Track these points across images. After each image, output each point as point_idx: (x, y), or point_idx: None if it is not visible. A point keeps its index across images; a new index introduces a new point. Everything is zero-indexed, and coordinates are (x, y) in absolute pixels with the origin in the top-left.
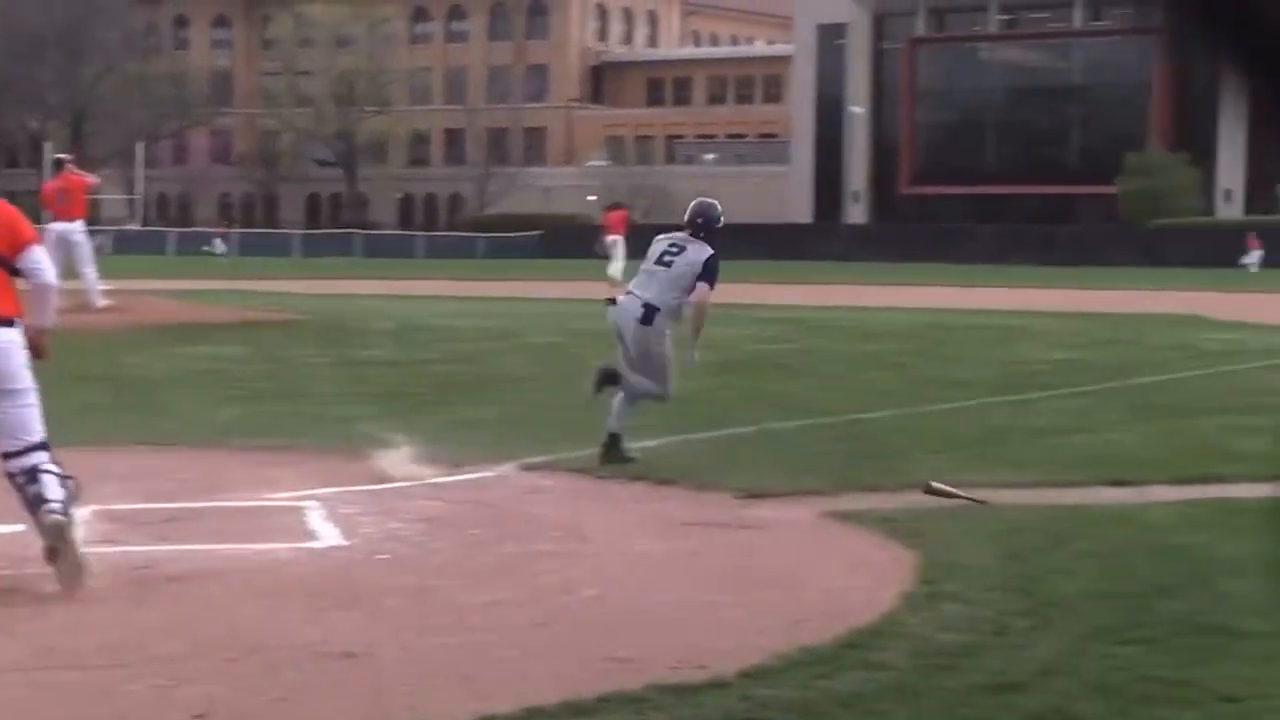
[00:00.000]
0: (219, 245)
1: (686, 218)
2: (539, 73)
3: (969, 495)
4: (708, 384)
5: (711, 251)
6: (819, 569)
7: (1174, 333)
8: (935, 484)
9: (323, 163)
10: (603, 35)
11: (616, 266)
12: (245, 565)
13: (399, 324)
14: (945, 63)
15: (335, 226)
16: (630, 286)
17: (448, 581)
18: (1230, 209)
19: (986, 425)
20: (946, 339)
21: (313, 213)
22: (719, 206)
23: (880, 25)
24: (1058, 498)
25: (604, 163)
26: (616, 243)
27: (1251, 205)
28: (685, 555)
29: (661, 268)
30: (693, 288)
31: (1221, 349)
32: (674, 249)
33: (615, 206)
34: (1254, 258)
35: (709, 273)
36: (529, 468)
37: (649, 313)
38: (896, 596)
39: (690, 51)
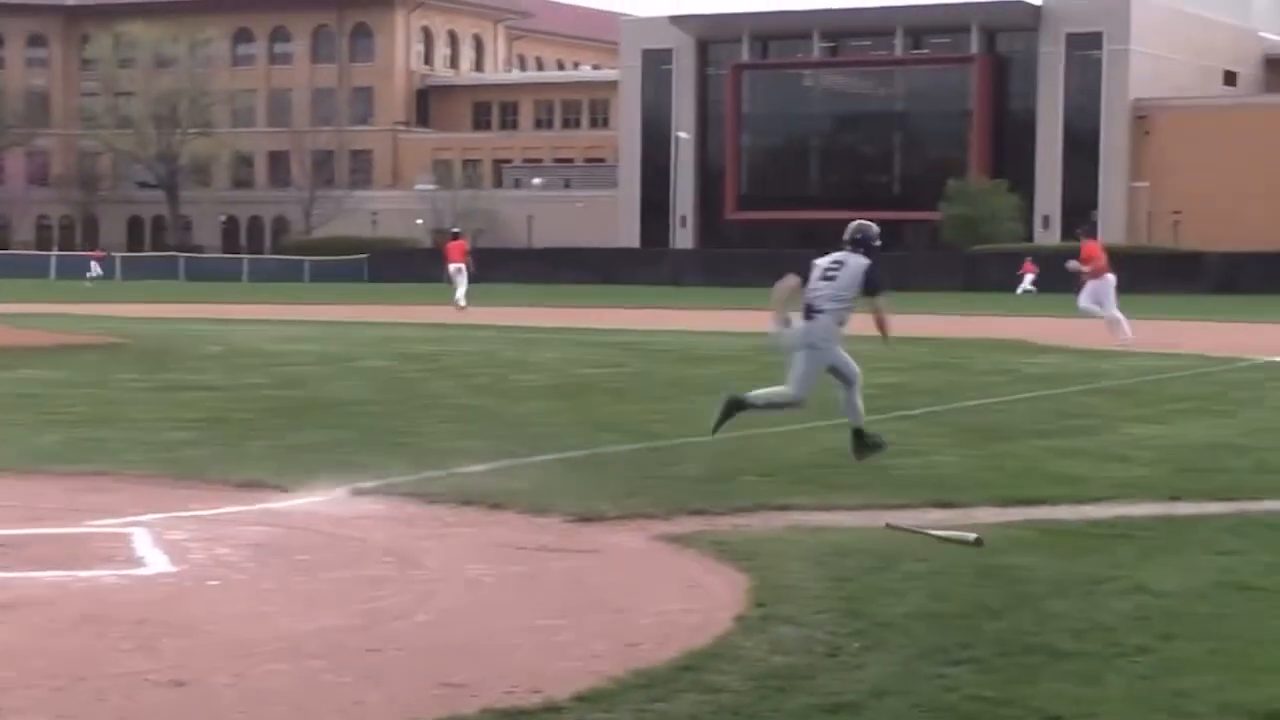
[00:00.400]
0: (95, 269)
1: (846, 236)
2: (364, 95)
3: (953, 536)
4: (538, 407)
5: (870, 262)
6: (653, 593)
7: (996, 357)
8: (899, 524)
9: (144, 184)
10: (428, 59)
11: (460, 292)
12: (71, 593)
13: (226, 348)
14: (770, 89)
15: (157, 249)
16: (808, 299)
17: (278, 608)
18: (1049, 235)
19: (816, 448)
20: (775, 363)
21: (134, 235)
22: (876, 227)
23: (705, 51)
24: (885, 519)
25: (431, 186)
26: (459, 270)
27: (1069, 231)
28: (518, 580)
29: (826, 282)
30: (854, 297)
31: (1043, 373)
32: (836, 265)
33: (455, 236)
34: (1028, 282)
35: (873, 281)
36: (360, 493)
37: (812, 312)
38: (730, 619)
39: (517, 76)
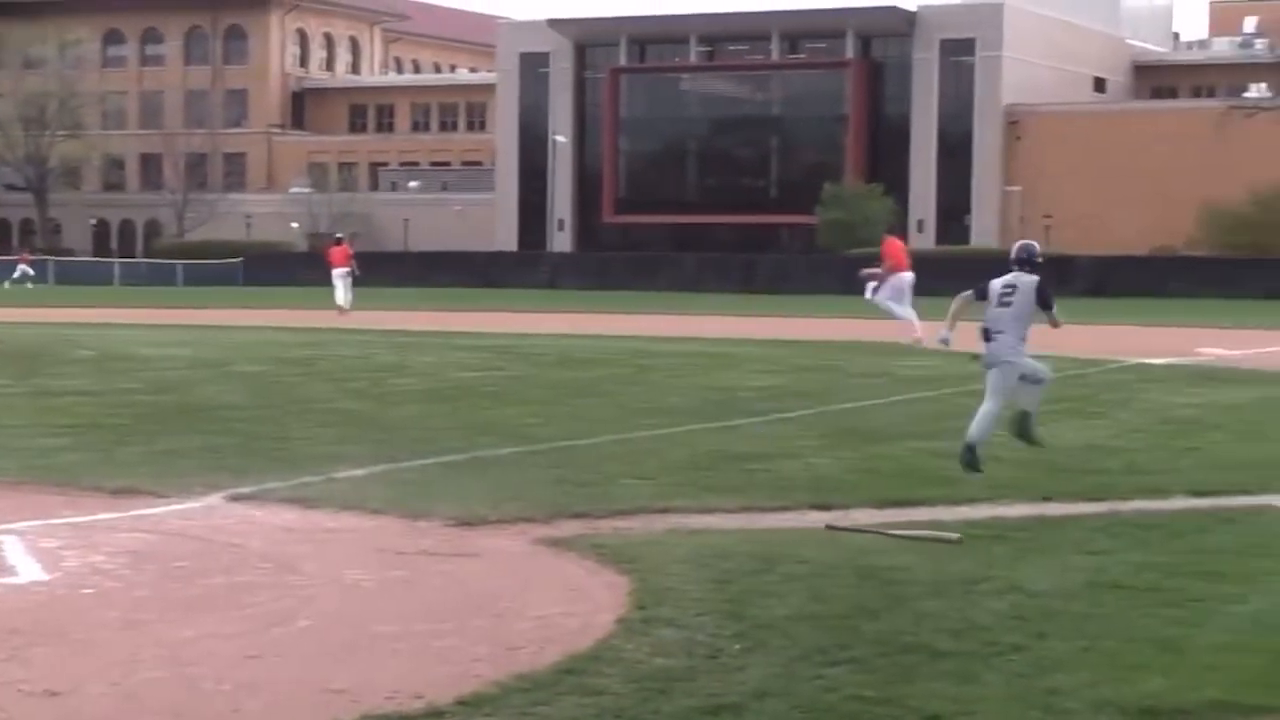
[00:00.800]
0: (21, 271)
1: (1013, 256)
2: (238, 98)
3: (935, 536)
4: (416, 411)
5: (1039, 279)
6: (534, 596)
7: (873, 360)
8: (841, 525)
9: (11, 187)
10: (303, 61)
11: (342, 297)
12: None
13: (98, 353)
14: (647, 93)
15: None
16: (988, 324)
17: (155, 616)
18: (923, 239)
19: (695, 451)
20: (653, 366)
21: (2, 239)
22: (1037, 244)
23: (583, 55)
24: (766, 521)
25: (307, 189)
26: (341, 275)
27: (943, 236)
28: (399, 585)
29: (1004, 308)
30: (1031, 313)
31: (918, 375)
32: (1009, 289)
33: (338, 241)
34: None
35: (1045, 296)
36: (236, 498)
37: (993, 334)
38: (611, 622)
39: (393, 79)
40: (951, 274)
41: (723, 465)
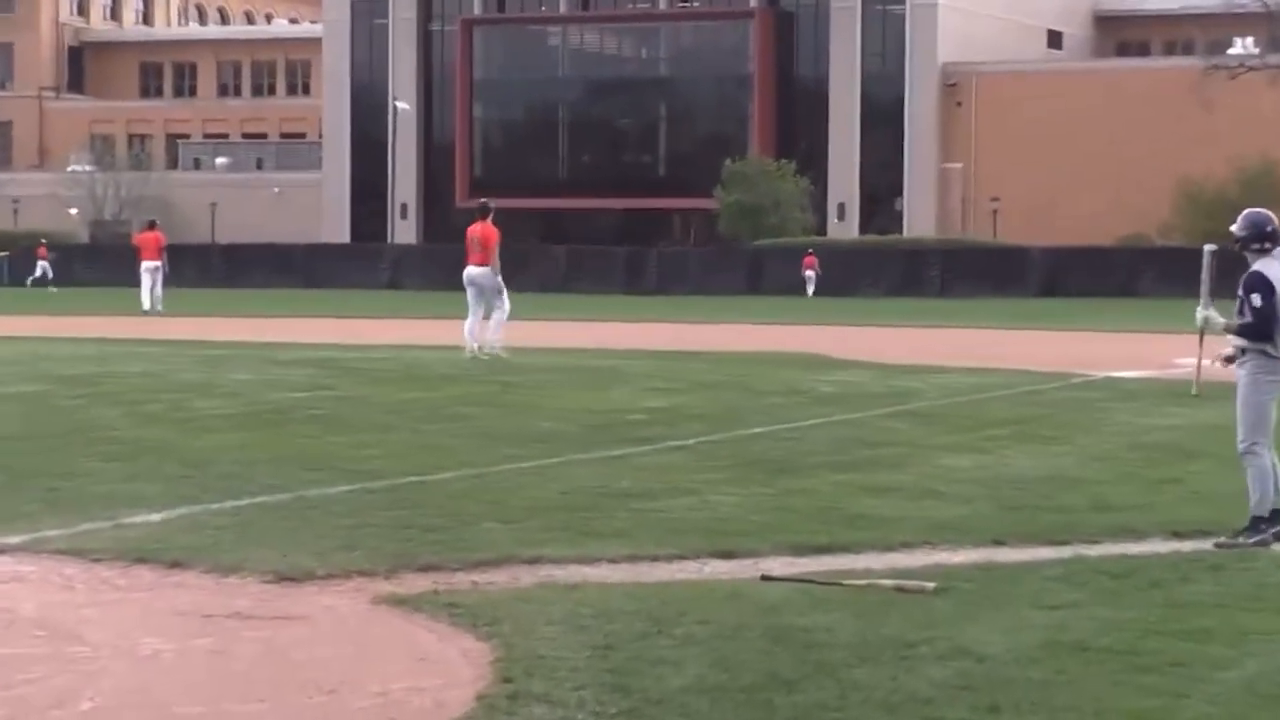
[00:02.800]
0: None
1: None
2: (2, 54)
3: (908, 586)
4: (227, 441)
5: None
6: (374, 668)
7: (786, 375)
8: (775, 575)
9: None
10: (82, 9)
11: (148, 296)
12: None
13: None
14: (508, 49)
15: None
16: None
17: None
18: (845, 226)
19: (572, 488)
20: (519, 383)
21: None
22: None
23: (429, 3)
24: (658, 573)
25: (88, 167)
26: (151, 269)
27: (869, 223)
28: (206, 655)
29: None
30: None
31: (840, 393)
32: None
33: (151, 226)
34: (810, 280)
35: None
36: (3, 550)
37: None
38: (470, 699)
39: (194, 31)
40: (877, 268)
41: (605, 504)
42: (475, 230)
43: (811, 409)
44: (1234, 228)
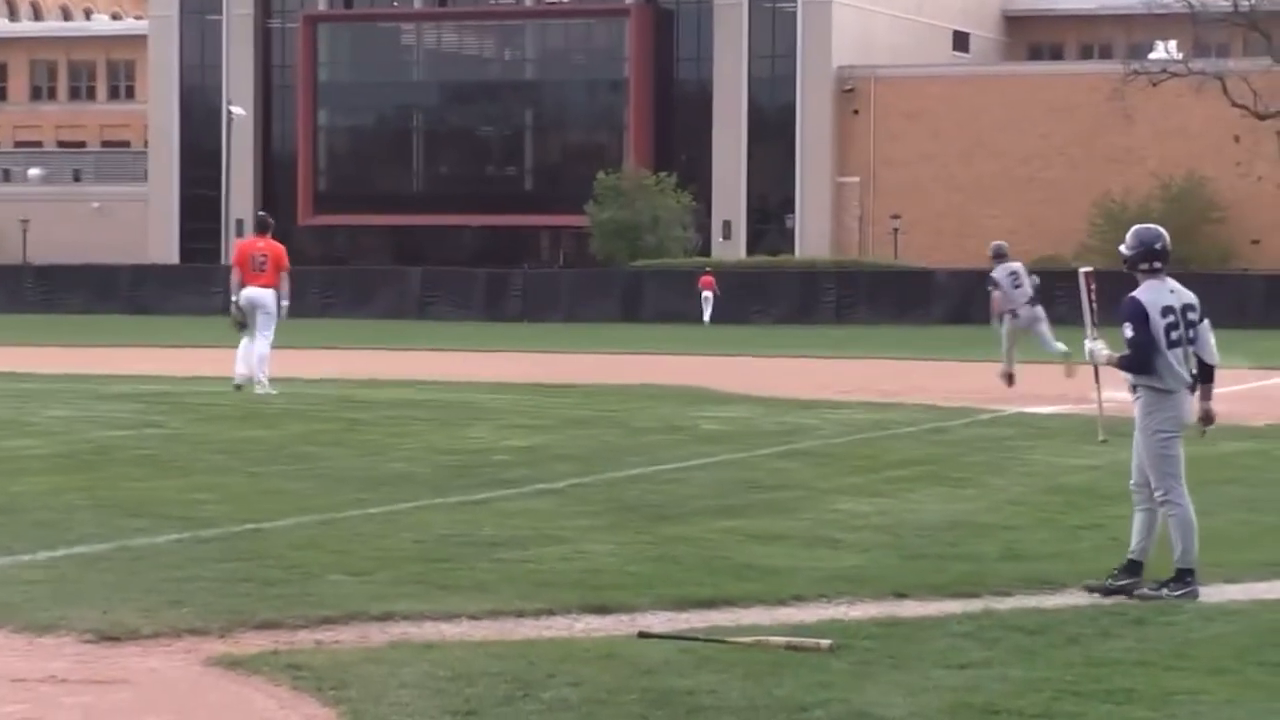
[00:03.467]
0: None
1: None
2: None
3: (802, 643)
4: (39, 486)
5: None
6: None
7: (666, 410)
8: (656, 632)
9: None
10: None
11: None
12: None
13: None
14: (357, 49)
15: None
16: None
17: None
18: (731, 246)
19: (428, 536)
20: (368, 420)
21: None
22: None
23: None
24: (524, 630)
25: None
26: None
27: (757, 242)
28: None
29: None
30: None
31: (726, 430)
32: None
33: None
34: (708, 302)
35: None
36: None
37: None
38: None
39: (3, 27)
40: (766, 293)
41: (465, 554)
42: (257, 247)
43: (694, 448)
44: (1122, 246)
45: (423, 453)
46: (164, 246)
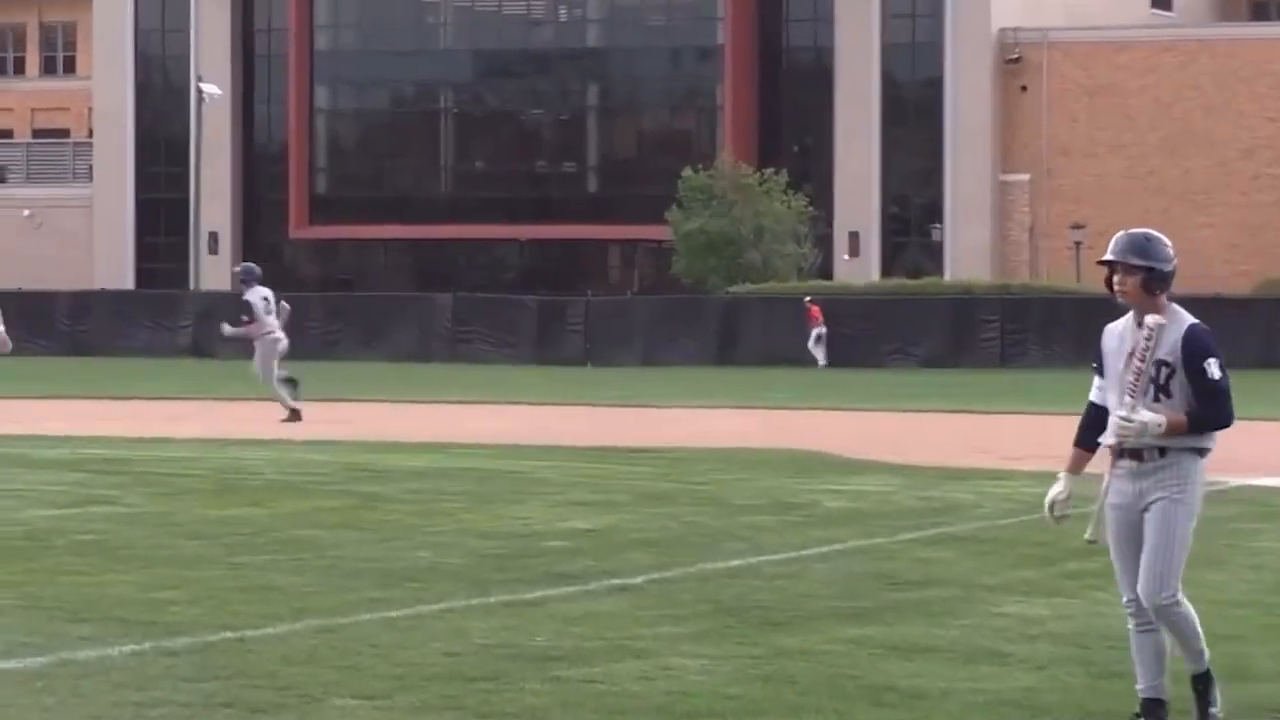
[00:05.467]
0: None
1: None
2: None
3: None
4: None
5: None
6: None
7: (774, 482)
8: None
9: None
10: None
11: None
12: None
13: None
14: (364, 7)
15: None
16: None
17: None
18: (859, 266)
19: (464, 647)
20: (386, 495)
21: None
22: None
23: None
24: None
25: None
26: None
27: (894, 261)
28: None
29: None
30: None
31: (854, 508)
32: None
33: None
34: (815, 340)
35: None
36: None
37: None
38: None
39: None
40: (907, 326)
41: (512, 672)
42: None
43: (812, 532)
44: (1152, 259)
45: (456, 537)
46: (114, 266)
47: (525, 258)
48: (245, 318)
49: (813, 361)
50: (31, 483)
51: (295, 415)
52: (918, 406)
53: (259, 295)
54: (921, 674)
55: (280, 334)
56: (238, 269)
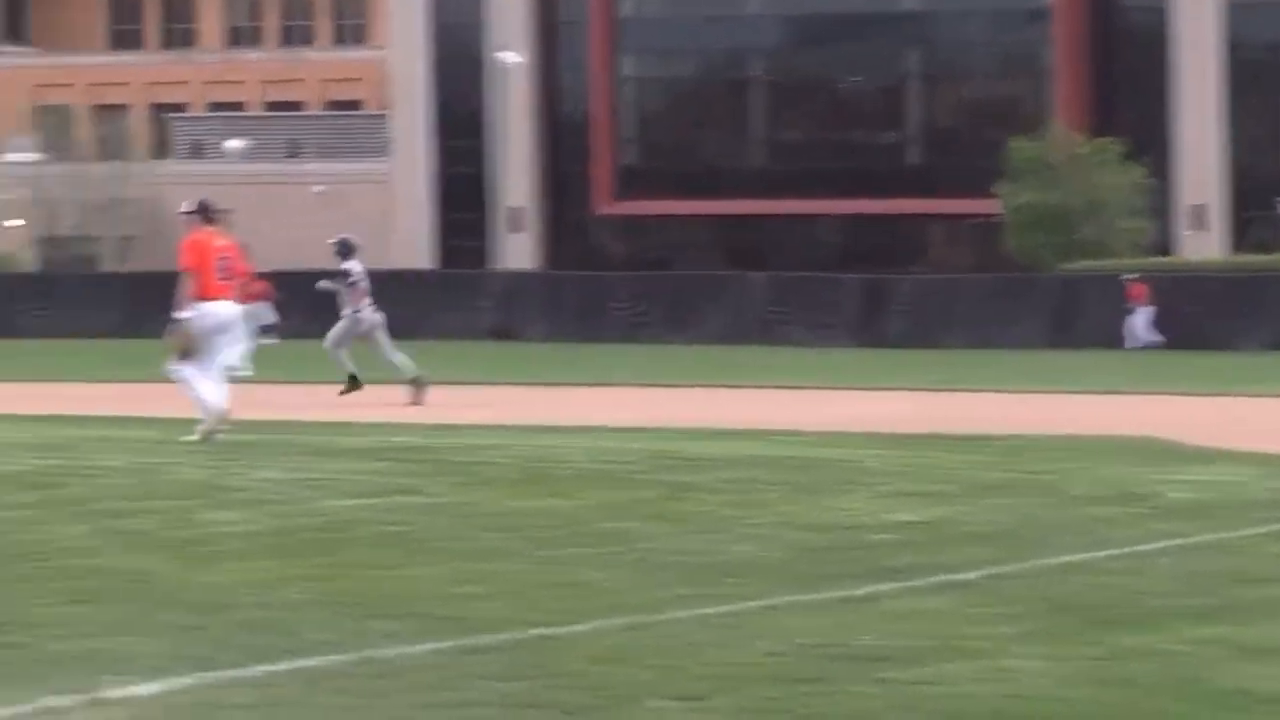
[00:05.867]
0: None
1: None
2: None
3: None
4: (249, 574)
5: None
6: None
7: (1115, 471)
8: None
9: None
10: None
11: (237, 353)
12: None
13: None
14: None
15: None
16: None
17: None
18: (1204, 241)
19: (785, 646)
20: (697, 485)
21: None
22: None
23: None
24: None
25: (31, 155)
26: (261, 312)
27: (1242, 234)
28: None
29: None
30: None
31: (1202, 499)
32: None
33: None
34: (1142, 321)
35: None
36: None
37: None
38: None
39: None
40: (1257, 306)
41: (838, 673)
42: (216, 245)
43: (1156, 524)
44: None
45: (775, 530)
46: (411, 245)
47: (841, 234)
48: (345, 281)
49: (1139, 342)
50: (332, 472)
51: (354, 383)
52: (1267, 390)
53: (358, 267)
54: (1276, 677)
55: (368, 312)
56: (332, 241)
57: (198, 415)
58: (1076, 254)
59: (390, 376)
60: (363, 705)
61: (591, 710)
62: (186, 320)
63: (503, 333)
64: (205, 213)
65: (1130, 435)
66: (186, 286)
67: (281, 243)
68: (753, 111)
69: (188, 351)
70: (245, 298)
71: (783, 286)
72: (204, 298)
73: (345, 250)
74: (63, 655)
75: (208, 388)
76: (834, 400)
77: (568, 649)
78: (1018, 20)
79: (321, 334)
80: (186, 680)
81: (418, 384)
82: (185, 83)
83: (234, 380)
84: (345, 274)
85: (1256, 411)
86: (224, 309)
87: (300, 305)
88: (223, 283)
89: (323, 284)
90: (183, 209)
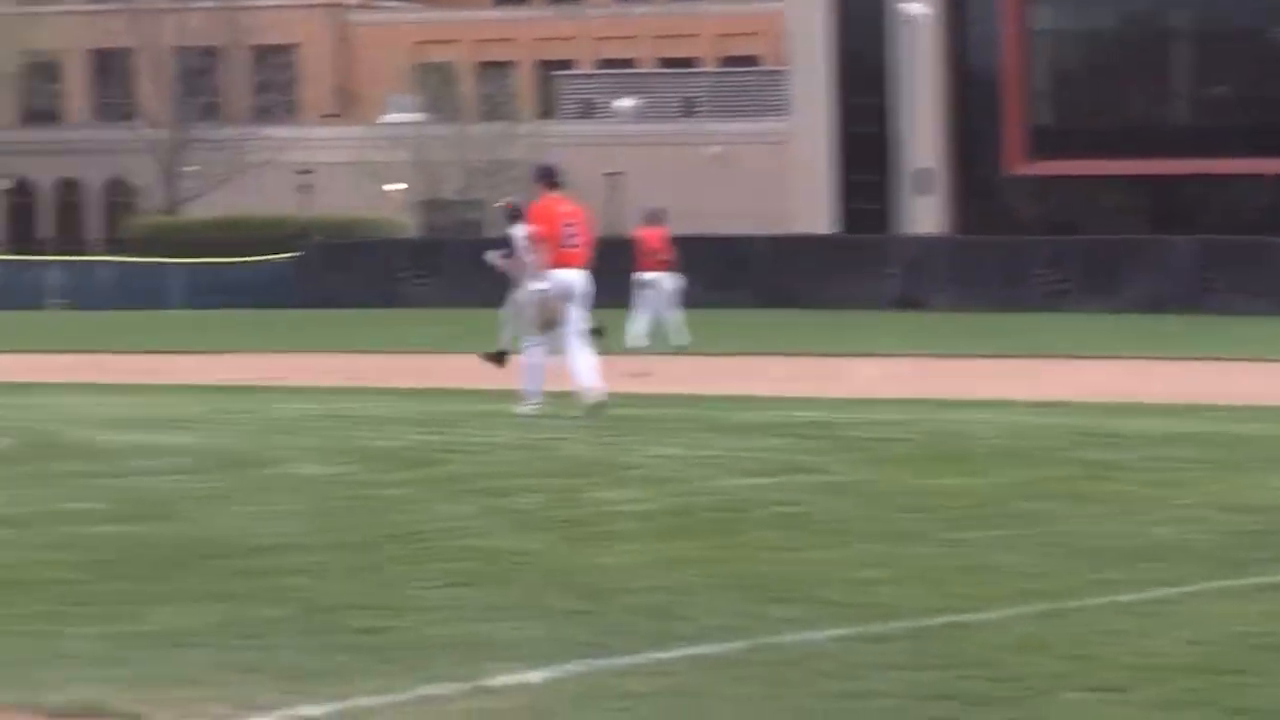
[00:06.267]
0: None
1: None
2: None
3: None
4: (639, 557)
5: None
6: None
7: None
8: None
9: None
10: None
11: (638, 329)
12: None
13: (19, 439)
14: None
15: None
16: None
17: None
18: None
19: (1213, 636)
20: (1119, 463)
21: None
22: None
23: None
24: None
25: (413, 115)
26: (652, 283)
27: None
28: None
29: None
30: None
31: None
32: None
33: (653, 218)
34: None
35: None
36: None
37: None
38: None
39: None
40: None
41: (1270, 664)
42: (562, 211)
43: None
44: None
45: (1202, 511)
46: (812, 208)
47: (1272, 195)
48: (505, 251)
49: None
50: (730, 448)
51: (501, 358)
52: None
53: (522, 233)
54: None
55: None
56: (499, 204)
57: (521, 388)
58: None
59: (660, 348)
60: (763, 695)
61: (1003, 702)
62: (542, 290)
63: (909, 301)
64: (550, 178)
65: None
66: (538, 255)
67: (678, 206)
68: (1175, 66)
69: (548, 323)
70: (660, 267)
71: (1214, 251)
72: (553, 265)
73: (515, 215)
74: (442, 640)
75: (583, 361)
76: (1264, 373)
77: (977, 637)
78: None
79: (724, 302)
80: (575, 667)
81: (499, 358)
82: (573, 39)
83: (678, 350)
84: (508, 239)
85: None
86: (573, 276)
87: (697, 274)
88: (570, 250)
89: (490, 256)
90: (499, 203)
